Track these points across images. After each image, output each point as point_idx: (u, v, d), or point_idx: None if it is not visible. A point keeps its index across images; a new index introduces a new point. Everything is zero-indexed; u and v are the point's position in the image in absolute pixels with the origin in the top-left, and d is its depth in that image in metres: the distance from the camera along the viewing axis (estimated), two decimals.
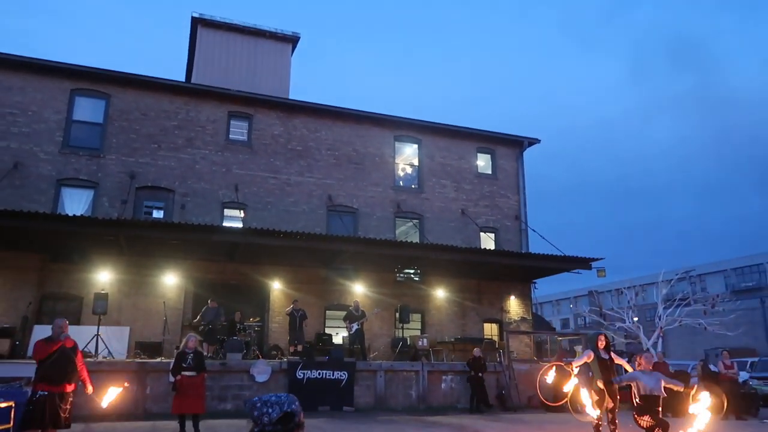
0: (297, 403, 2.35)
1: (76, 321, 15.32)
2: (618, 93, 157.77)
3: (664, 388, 7.85)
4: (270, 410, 2.25)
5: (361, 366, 14.85)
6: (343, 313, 16.70)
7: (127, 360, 13.63)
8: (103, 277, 15.77)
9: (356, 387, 14.45)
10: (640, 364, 8.23)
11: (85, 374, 7.53)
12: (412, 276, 19.85)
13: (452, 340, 18.57)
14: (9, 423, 6.66)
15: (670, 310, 20.96)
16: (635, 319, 21.37)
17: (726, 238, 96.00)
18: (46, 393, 6.96)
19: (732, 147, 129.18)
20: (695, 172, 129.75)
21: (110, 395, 7.73)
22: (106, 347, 13.68)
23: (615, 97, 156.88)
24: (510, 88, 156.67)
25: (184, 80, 22.36)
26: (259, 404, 2.29)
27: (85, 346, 13.15)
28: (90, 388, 7.53)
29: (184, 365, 9.71)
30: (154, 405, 12.52)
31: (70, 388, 7.24)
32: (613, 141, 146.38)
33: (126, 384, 8.25)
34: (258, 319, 16.60)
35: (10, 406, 6.74)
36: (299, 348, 15.04)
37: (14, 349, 13.53)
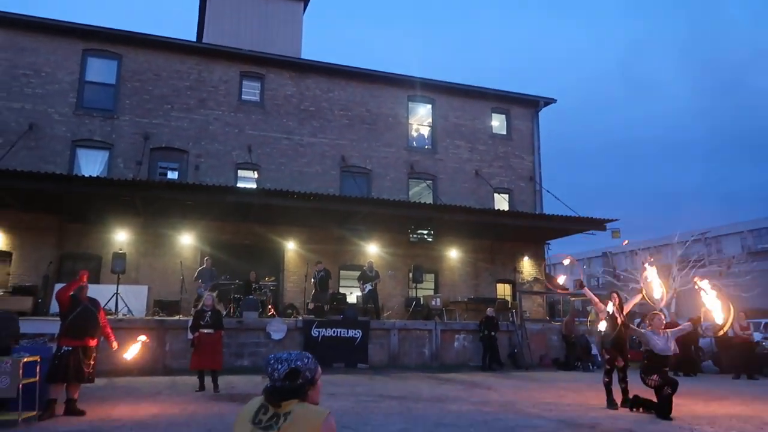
0: (308, 360, 2.39)
1: (96, 280, 15.61)
2: (632, 52, 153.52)
3: (678, 341, 8.01)
4: (279, 366, 2.33)
5: (375, 325, 15.08)
6: (357, 273, 16.87)
7: (147, 318, 13.94)
8: (121, 237, 16.02)
9: (370, 345, 14.71)
10: (650, 325, 8.28)
11: (108, 330, 7.79)
12: (425, 237, 19.89)
13: (465, 300, 18.75)
14: (35, 377, 6.90)
15: (684, 271, 20.89)
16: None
17: (744, 199, 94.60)
18: (70, 348, 7.23)
19: (750, 108, 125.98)
20: (712, 133, 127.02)
21: (133, 350, 8.09)
22: (126, 305, 13.99)
23: (630, 56, 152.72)
24: (523, 47, 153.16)
25: (195, 40, 22.12)
26: (272, 361, 2.38)
27: (105, 304, 13.41)
28: (114, 344, 7.83)
29: (202, 323, 9.95)
30: (173, 361, 12.87)
31: (92, 342, 7.50)
32: (629, 101, 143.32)
33: (145, 338, 8.55)
34: (273, 278, 16.82)
35: (36, 361, 6.97)
36: (326, 308, 15.32)
37: (37, 306, 13.88)
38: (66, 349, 7.21)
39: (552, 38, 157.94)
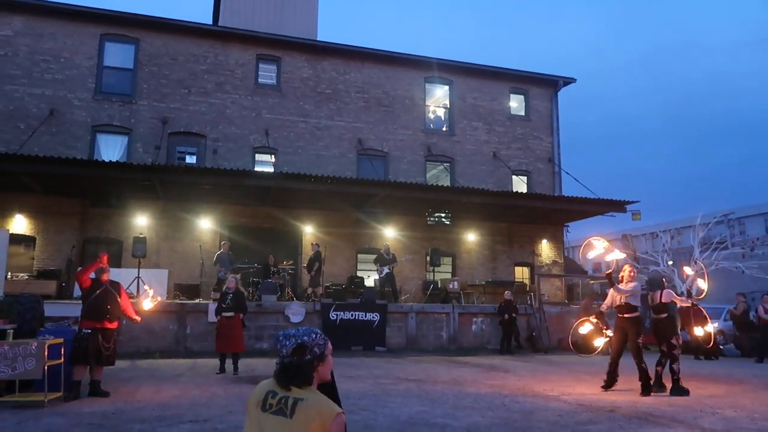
0: (316, 335, 2.40)
1: (117, 264, 15.85)
2: (651, 27, 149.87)
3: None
4: (287, 342, 2.35)
5: (393, 308, 15.13)
6: (374, 256, 16.90)
7: (168, 301, 14.14)
8: (141, 221, 16.21)
9: (388, 328, 14.78)
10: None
11: (130, 310, 7.91)
12: (442, 219, 19.88)
13: (483, 283, 18.70)
14: (60, 359, 7.04)
15: (706, 253, 20.56)
16: (670, 262, 21.04)
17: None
18: (89, 331, 7.33)
19: None
20: (734, 113, 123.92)
21: (148, 302, 8.46)
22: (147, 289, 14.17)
23: (648, 32, 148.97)
24: (539, 28, 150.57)
25: (211, 23, 22.09)
26: (281, 337, 2.41)
27: (127, 288, 13.64)
28: (137, 318, 8.05)
29: (224, 306, 10.04)
30: (194, 343, 13.08)
31: (111, 325, 7.55)
32: (648, 80, 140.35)
33: (153, 292, 8.98)
34: (291, 262, 16.92)
35: (60, 343, 7.11)
36: (318, 292, 15.34)
37: (61, 290, 14.15)
38: (86, 331, 7.31)
39: (571, 20, 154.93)
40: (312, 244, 16.24)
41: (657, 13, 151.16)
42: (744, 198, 56.80)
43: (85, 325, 7.37)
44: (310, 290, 15.62)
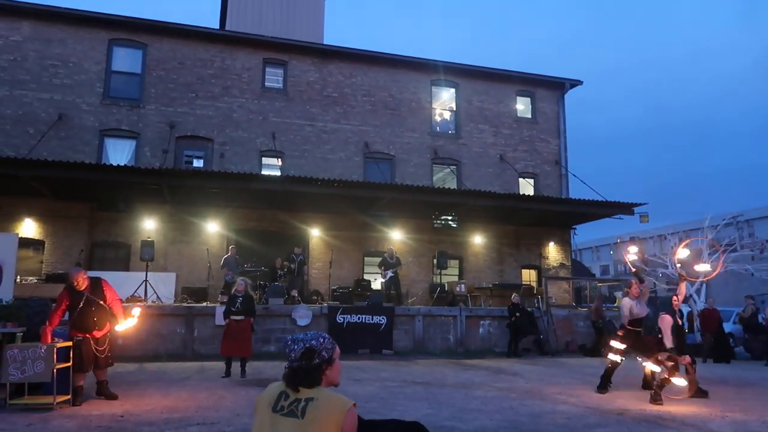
0: (324, 339, 2.42)
1: (125, 267, 16.00)
2: (661, 33, 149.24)
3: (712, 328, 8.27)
4: (296, 347, 2.38)
5: (400, 311, 15.10)
6: (380, 260, 16.89)
7: (175, 304, 14.18)
8: (149, 225, 16.29)
9: (395, 331, 14.76)
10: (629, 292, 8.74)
11: (117, 306, 7.46)
12: (449, 222, 19.86)
13: (490, 286, 18.65)
14: (69, 362, 7.05)
15: (715, 255, 20.44)
16: (678, 265, 20.90)
17: None
18: (80, 338, 7.17)
19: None
20: (742, 115, 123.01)
21: (127, 323, 7.65)
22: (155, 292, 14.23)
23: (656, 38, 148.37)
24: (548, 31, 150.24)
25: (218, 27, 22.20)
26: (289, 341, 2.44)
27: (135, 291, 13.73)
28: (118, 322, 7.50)
29: (233, 309, 9.98)
30: (202, 347, 13.10)
31: (99, 333, 7.34)
32: (655, 85, 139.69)
33: (140, 310, 8.12)
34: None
35: (69, 347, 7.12)
36: (295, 294, 15.21)
37: None
38: (77, 338, 7.15)
39: (578, 19, 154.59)
40: (295, 247, 16.14)
41: (658, 14, 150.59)
42: (753, 200, 56.44)
43: (75, 335, 7.18)
44: (294, 292, 15.26)
